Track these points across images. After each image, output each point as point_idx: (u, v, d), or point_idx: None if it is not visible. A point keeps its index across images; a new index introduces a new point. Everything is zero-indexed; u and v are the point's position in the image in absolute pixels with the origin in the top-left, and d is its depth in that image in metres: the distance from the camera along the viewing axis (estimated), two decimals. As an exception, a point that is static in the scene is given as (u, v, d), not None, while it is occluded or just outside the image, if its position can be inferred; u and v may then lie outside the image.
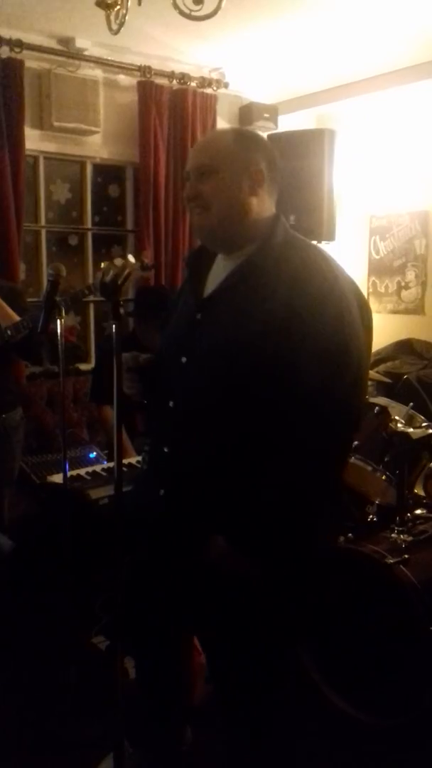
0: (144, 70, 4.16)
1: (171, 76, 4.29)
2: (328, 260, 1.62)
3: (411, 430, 2.53)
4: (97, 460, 3.04)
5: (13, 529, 2.83)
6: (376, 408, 2.69)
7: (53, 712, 2.32)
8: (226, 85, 4.54)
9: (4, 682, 2.45)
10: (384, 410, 2.67)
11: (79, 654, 2.45)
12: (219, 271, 1.70)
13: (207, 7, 2.25)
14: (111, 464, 2.91)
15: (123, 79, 4.24)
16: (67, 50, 3.91)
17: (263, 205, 1.67)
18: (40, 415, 3.75)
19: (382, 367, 4.27)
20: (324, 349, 1.50)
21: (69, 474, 2.47)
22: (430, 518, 2.58)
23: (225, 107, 4.68)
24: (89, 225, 4.46)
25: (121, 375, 1.48)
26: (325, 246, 4.12)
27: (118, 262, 2.74)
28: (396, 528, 2.42)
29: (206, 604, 1.66)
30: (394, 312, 4.86)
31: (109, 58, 4.06)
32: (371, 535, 2.42)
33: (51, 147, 4.10)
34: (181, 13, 2.26)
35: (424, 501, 2.68)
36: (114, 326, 1.44)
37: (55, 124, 3.94)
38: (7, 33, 3.61)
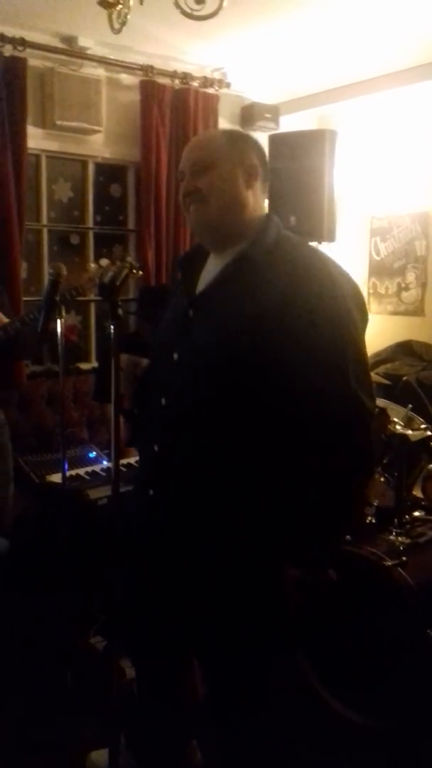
0: (146, 69, 4.16)
1: (173, 75, 4.29)
2: (323, 259, 1.62)
3: (410, 432, 2.53)
4: (96, 460, 3.03)
5: (11, 528, 2.82)
6: (376, 409, 2.68)
7: (50, 711, 2.32)
8: (228, 85, 4.54)
9: (1, 682, 2.45)
10: (383, 412, 2.66)
11: (77, 654, 2.45)
12: (211, 269, 1.70)
13: (209, 7, 2.26)
14: (110, 464, 2.91)
15: (125, 78, 4.25)
16: (70, 49, 3.91)
17: (257, 201, 1.68)
18: (39, 415, 3.75)
19: (381, 369, 4.27)
20: (322, 350, 1.50)
21: (68, 473, 2.47)
22: (429, 520, 2.58)
23: (227, 107, 4.68)
24: (91, 224, 4.46)
25: (119, 375, 1.47)
26: (325, 247, 4.16)
27: (103, 262, 2.75)
28: (394, 530, 2.42)
29: (207, 611, 1.64)
30: (394, 313, 4.86)
31: (112, 57, 4.06)
32: (369, 537, 2.41)
33: (53, 146, 4.10)
34: (183, 12, 2.26)
35: (423, 503, 2.67)
36: (112, 327, 1.44)
37: (58, 123, 3.94)
38: (10, 31, 3.60)
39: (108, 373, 1.53)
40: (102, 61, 4.04)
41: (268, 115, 4.73)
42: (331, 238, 4.03)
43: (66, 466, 2.39)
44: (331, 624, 2.31)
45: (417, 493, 2.67)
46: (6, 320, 2.61)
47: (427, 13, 3.46)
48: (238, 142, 1.68)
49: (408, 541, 2.37)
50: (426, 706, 2.11)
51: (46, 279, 4.18)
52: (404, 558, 2.24)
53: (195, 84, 4.37)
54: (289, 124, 4.74)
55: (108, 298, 1.44)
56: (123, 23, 2.36)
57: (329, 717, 2.28)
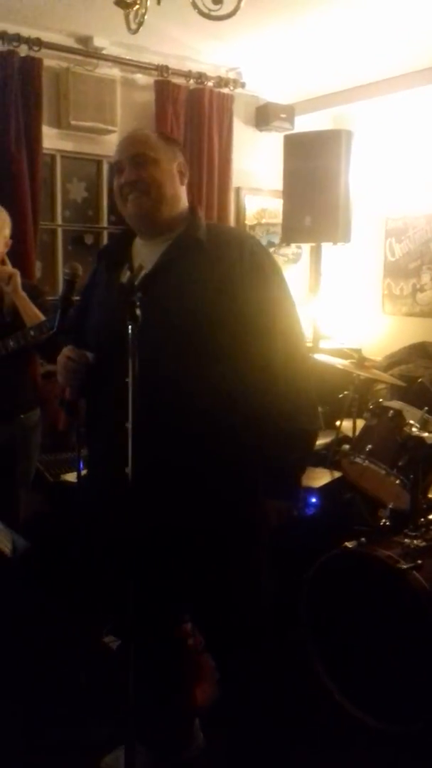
0: (161, 69, 4.17)
1: (188, 75, 4.29)
2: (256, 238, 1.90)
3: (426, 434, 2.51)
4: (110, 460, 3.03)
5: (26, 527, 2.83)
6: (391, 411, 2.67)
7: (64, 711, 2.32)
8: (243, 85, 4.53)
9: (15, 682, 2.45)
10: (398, 414, 2.66)
11: (90, 654, 2.46)
12: (147, 253, 1.81)
13: (226, 7, 2.25)
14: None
15: (140, 78, 4.25)
16: (85, 49, 3.92)
17: (184, 195, 1.87)
18: (54, 414, 3.75)
19: (396, 370, 4.24)
20: (281, 304, 1.78)
21: (83, 473, 2.47)
22: (444, 523, 2.56)
23: (241, 107, 4.67)
24: (105, 224, 4.47)
25: (136, 377, 1.47)
26: (340, 248, 4.15)
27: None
28: (409, 533, 2.40)
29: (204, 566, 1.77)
30: (409, 315, 4.83)
31: (127, 57, 4.07)
32: (384, 540, 2.40)
33: (68, 146, 4.11)
34: (200, 12, 2.25)
35: (438, 506, 2.66)
36: (130, 327, 1.44)
37: (73, 123, 3.95)
38: (26, 32, 3.62)
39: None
40: (117, 61, 4.05)
41: (283, 116, 4.72)
42: (346, 239, 4.01)
43: (81, 465, 2.39)
44: (346, 625, 2.31)
45: (432, 495, 2.65)
46: (42, 318, 2.60)
47: (444, 13, 3.44)
48: (170, 142, 1.87)
49: (423, 543, 2.35)
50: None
51: (60, 279, 4.21)
52: (419, 561, 2.22)
53: (210, 84, 4.37)
54: (304, 124, 4.72)
55: (126, 298, 1.44)
56: (140, 23, 2.35)
57: (344, 720, 2.27)
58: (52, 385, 3.94)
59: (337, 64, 4.18)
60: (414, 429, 2.56)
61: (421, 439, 2.48)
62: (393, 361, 4.42)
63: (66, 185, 4.30)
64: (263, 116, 4.73)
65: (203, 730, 2.16)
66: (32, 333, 2.53)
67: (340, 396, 3.56)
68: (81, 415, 1.94)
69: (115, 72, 4.10)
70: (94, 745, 2.13)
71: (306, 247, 5.05)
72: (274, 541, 1.88)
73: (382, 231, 4.95)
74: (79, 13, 3.55)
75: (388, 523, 2.61)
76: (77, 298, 2.03)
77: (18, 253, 3.68)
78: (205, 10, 2.25)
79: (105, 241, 4.46)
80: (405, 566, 2.19)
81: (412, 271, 4.81)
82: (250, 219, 4.89)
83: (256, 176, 4.87)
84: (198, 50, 4.10)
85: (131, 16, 2.39)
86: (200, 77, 4.32)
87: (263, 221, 4.94)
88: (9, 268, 2.60)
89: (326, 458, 3.30)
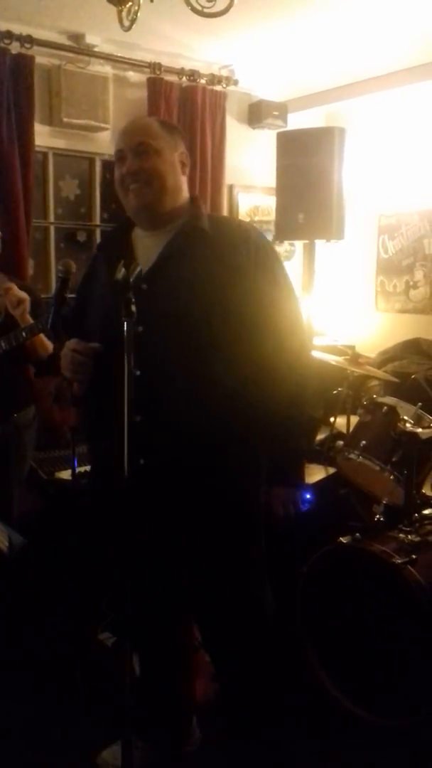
0: (154, 66, 4.16)
1: (181, 72, 4.29)
2: (258, 230, 1.88)
3: (420, 430, 2.52)
4: (104, 457, 3.03)
5: (21, 525, 2.83)
6: (385, 407, 2.68)
7: (60, 709, 2.32)
8: (235, 83, 4.53)
9: (11, 679, 2.45)
10: (392, 410, 2.67)
11: (86, 651, 2.46)
12: (149, 245, 1.80)
13: (219, 4, 2.25)
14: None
15: (132, 75, 4.24)
16: (77, 46, 3.90)
17: (185, 185, 1.86)
18: (47, 412, 3.75)
19: (389, 367, 4.26)
20: (287, 300, 1.83)
21: (77, 470, 2.47)
22: (438, 518, 2.57)
23: (234, 104, 4.67)
24: (98, 221, 4.46)
25: (131, 374, 1.47)
26: (333, 245, 4.15)
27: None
28: (403, 528, 2.41)
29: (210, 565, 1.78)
30: (402, 311, 4.85)
31: (119, 54, 4.05)
32: (378, 535, 2.41)
33: (60, 143, 4.10)
34: (194, 9, 2.25)
35: (432, 501, 2.67)
36: (125, 323, 1.44)
37: (65, 120, 3.94)
38: (18, 29, 3.60)
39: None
40: (109, 59, 4.04)
41: (276, 113, 4.71)
42: (339, 236, 4.01)
43: (75, 463, 2.39)
44: (341, 620, 2.32)
45: (426, 491, 2.67)
46: (31, 321, 2.58)
47: (435, 10, 3.44)
48: (172, 130, 1.85)
49: (417, 539, 2.36)
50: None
51: (53, 276, 4.20)
52: (414, 556, 2.24)
53: (202, 81, 4.37)
54: (297, 121, 4.72)
55: (121, 294, 1.44)
56: (133, 21, 2.35)
57: (339, 714, 2.28)
58: (46, 383, 3.96)
59: (330, 61, 4.19)
60: (408, 425, 2.57)
61: (415, 435, 2.49)
62: (386, 358, 4.43)
63: (58, 183, 4.29)
64: (256, 114, 4.73)
65: (200, 726, 2.17)
66: (24, 334, 2.53)
67: (335, 392, 3.57)
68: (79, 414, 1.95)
69: (107, 69, 4.09)
70: (92, 742, 2.13)
71: (299, 245, 5.05)
72: (271, 535, 1.89)
73: (375, 228, 4.96)
74: (72, 10, 3.53)
75: (382, 519, 2.62)
76: (72, 295, 2.03)
77: (10, 252, 3.68)
78: (198, 7, 2.24)
79: (98, 238, 4.46)
80: (399, 561, 2.20)
81: (405, 268, 4.82)
82: (243, 216, 4.88)
83: (249, 173, 4.87)
84: (191, 47, 4.09)
85: (124, 13, 2.38)
86: (193, 75, 4.32)
87: (256, 218, 4.95)
88: (19, 292, 2.54)
89: (321, 454, 3.31)
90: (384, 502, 2.67)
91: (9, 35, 3.58)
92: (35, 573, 2.66)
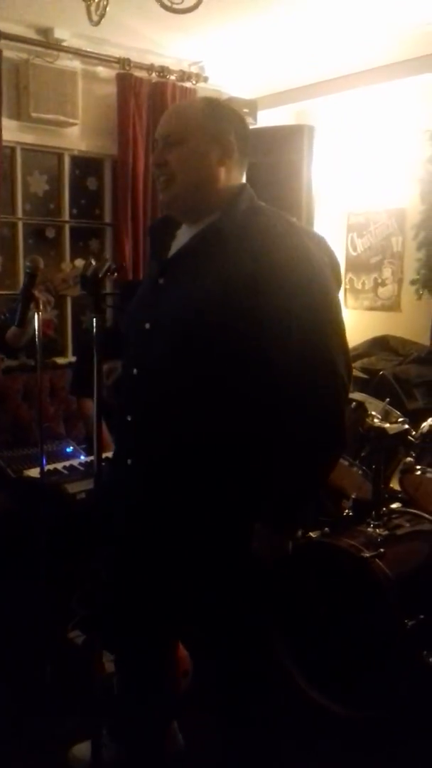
0: (123, 62, 4.14)
1: (150, 69, 4.27)
2: (296, 228, 1.62)
3: (387, 425, 2.55)
4: (74, 455, 3.01)
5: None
6: (354, 403, 2.70)
7: (29, 707, 2.31)
8: (205, 80, 4.53)
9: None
10: (361, 405, 2.69)
11: (55, 649, 2.44)
12: (182, 238, 1.69)
13: (188, 0, 2.25)
14: (89, 458, 2.89)
15: (102, 71, 4.22)
16: (46, 41, 3.87)
17: (230, 174, 1.67)
18: (15, 409, 3.71)
19: (358, 363, 4.30)
20: (298, 319, 1.50)
21: (46, 468, 2.45)
22: (406, 512, 2.60)
23: (204, 101, 4.66)
24: (67, 217, 4.43)
25: (101, 368, 1.47)
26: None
27: (78, 262, 2.71)
28: (372, 522, 2.44)
29: (184, 574, 1.66)
30: (371, 309, 4.90)
31: (88, 49, 4.03)
32: (347, 529, 2.43)
33: (28, 138, 4.06)
34: (163, 5, 2.25)
35: (400, 495, 2.70)
36: (95, 320, 1.43)
37: (33, 115, 3.90)
38: (-15, 22, 3.56)
39: (86, 367, 1.52)
40: (78, 54, 4.01)
41: (245, 110, 4.70)
42: (308, 233, 4.04)
43: (44, 461, 2.37)
44: (311, 615, 2.34)
45: (394, 485, 2.70)
46: None
47: (405, 11, 3.48)
48: (216, 116, 1.64)
49: (386, 532, 2.39)
50: (405, 696, 2.14)
51: (21, 272, 4.16)
52: (382, 549, 2.26)
53: (172, 78, 4.36)
54: (267, 119, 4.74)
55: (91, 291, 1.43)
56: (102, 15, 2.34)
57: (309, 707, 2.30)
58: (12, 381, 3.91)
59: (300, 59, 4.21)
60: (376, 420, 2.60)
61: (383, 430, 2.51)
62: (355, 354, 4.47)
63: (27, 178, 4.25)
64: (226, 111, 4.73)
65: (182, 731, 2.14)
66: None
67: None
68: (47, 412, 1.93)
69: (76, 64, 4.06)
70: (61, 739, 2.12)
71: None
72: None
73: (344, 226, 5.00)
74: (40, 3, 3.50)
75: (351, 513, 2.65)
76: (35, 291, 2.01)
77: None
78: (168, 3, 2.25)
79: (67, 234, 4.43)
80: (368, 555, 2.22)
81: (373, 266, 4.87)
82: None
83: (219, 171, 4.86)
84: (160, 44, 4.08)
85: (93, 8, 2.37)
86: (162, 71, 4.31)
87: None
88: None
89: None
90: (353, 496, 2.70)
91: (-25, 28, 3.54)
92: (2, 570, 2.64)
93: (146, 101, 4.29)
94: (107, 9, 2.36)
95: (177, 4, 2.22)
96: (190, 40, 3.97)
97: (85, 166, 4.51)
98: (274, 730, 1.84)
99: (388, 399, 2.76)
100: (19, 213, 4.20)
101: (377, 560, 2.22)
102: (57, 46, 3.90)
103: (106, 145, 4.31)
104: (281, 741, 1.91)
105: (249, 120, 4.69)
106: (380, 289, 4.84)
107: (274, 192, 4.01)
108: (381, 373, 3.96)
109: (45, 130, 4.07)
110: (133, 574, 1.77)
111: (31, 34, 3.83)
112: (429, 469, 2.44)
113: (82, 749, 2.00)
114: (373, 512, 2.48)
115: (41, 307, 2.15)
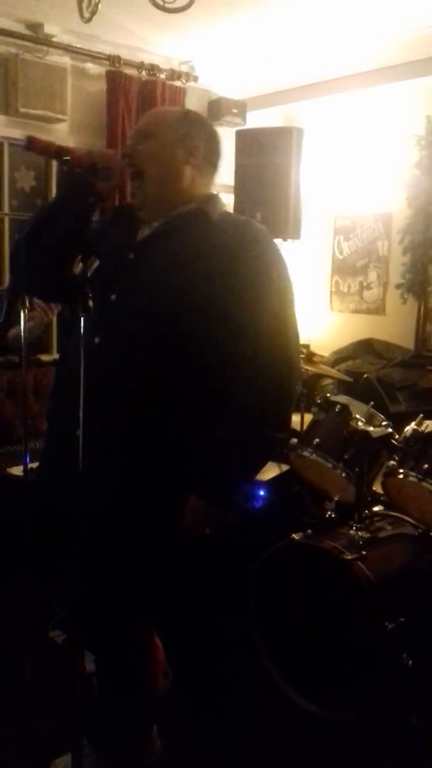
0: (113, 59, 4.13)
1: (140, 66, 4.26)
2: (264, 231, 1.71)
3: (371, 428, 2.56)
4: (57, 453, 2.99)
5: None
6: (338, 406, 2.71)
7: (8, 706, 2.29)
8: (195, 79, 4.53)
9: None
10: (345, 408, 2.70)
11: (36, 648, 2.43)
12: (150, 228, 1.74)
13: (180, 0, 2.25)
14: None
15: (91, 67, 4.20)
16: (35, 36, 3.85)
17: (198, 179, 1.74)
18: (-1, 406, 3.68)
19: (342, 366, 4.32)
20: (269, 305, 1.64)
21: (30, 466, 2.43)
22: (388, 515, 2.62)
23: (194, 101, 4.66)
24: (53, 214, 4.40)
25: (86, 365, 1.46)
26: (290, 244, 4.19)
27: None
28: (354, 525, 2.45)
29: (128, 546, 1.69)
30: (356, 312, 4.92)
31: (78, 45, 4.01)
32: (330, 532, 2.44)
33: (16, 133, 4.03)
34: (155, 4, 2.25)
35: (382, 498, 2.72)
36: (82, 318, 1.43)
37: (21, 110, 3.87)
38: (-26, 15, 3.54)
39: None
40: (68, 50, 3.99)
41: (235, 111, 4.73)
42: (296, 235, 4.05)
43: (27, 459, 2.36)
44: (292, 616, 2.35)
45: (377, 488, 2.71)
46: None
47: (394, 16, 3.50)
48: (188, 121, 1.74)
49: (368, 535, 2.40)
50: (384, 697, 2.15)
51: (7, 268, 4.13)
52: (364, 552, 2.28)
53: (162, 76, 4.35)
54: (255, 120, 4.75)
55: (78, 290, 1.43)
56: (93, 12, 2.33)
57: (288, 708, 2.31)
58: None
59: (290, 61, 4.22)
60: (360, 423, 2.61)
61: (367, 433, 2.53)
62: (340, 357, 4.50)
63: (14, 174, 4.22)
64: (215, 111, 4.73)
65: (161, 737, 2.13)
66: None
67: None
68: (31, 410, 1.91)
69: (65, 60, 4.04)
70: (39, 740, 2.11)
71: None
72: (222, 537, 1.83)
73: (331, 229, 5.02)
74: (30, -2, 3.49)
75: (334, 516, 2.66)
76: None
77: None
78: (160, 2, 2.25)
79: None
80: (350, 557, 2.23)
81: (359, 269, 4.90)
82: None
83: (207, 171, 4.87)
84: (151, 42, 4.07)
85: (84, 4, 2.36)
86: (152, 69, 4.30)
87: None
88: None
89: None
90: (336, 499, 2.71)
91: (-35, 21, 3.51)
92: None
93: (136, 99, 4.27)
94: (99, 6, 2.35)
95: (169, 3, 2.22)
96: (180, 39, 3.97)
97: (73, 162, 4.48)
98: (234, 704, 1.90)
99: (372, 402, 2.77)
100: (6, 208, 4.17)
101: (359, 563, 2.23)
102: (47, 42, 3.88)
103: (95, 142, 4.29)
104: (255, 737, 1.92)
105: (238, 120, 4.72)
106: (365, 293, 4.86)
107: (262, 193, 4.03)
108: (365, 376, 3.98)
109: (33, 125, 4.03)
110: (89, 545, 1.73)
111: (21, 29, 3.81)
112: (412, 473, 2.45)
113: (63, 762, 1.99)
114: (356, 515, 2.49)
115: (27, 304, 2.14)
